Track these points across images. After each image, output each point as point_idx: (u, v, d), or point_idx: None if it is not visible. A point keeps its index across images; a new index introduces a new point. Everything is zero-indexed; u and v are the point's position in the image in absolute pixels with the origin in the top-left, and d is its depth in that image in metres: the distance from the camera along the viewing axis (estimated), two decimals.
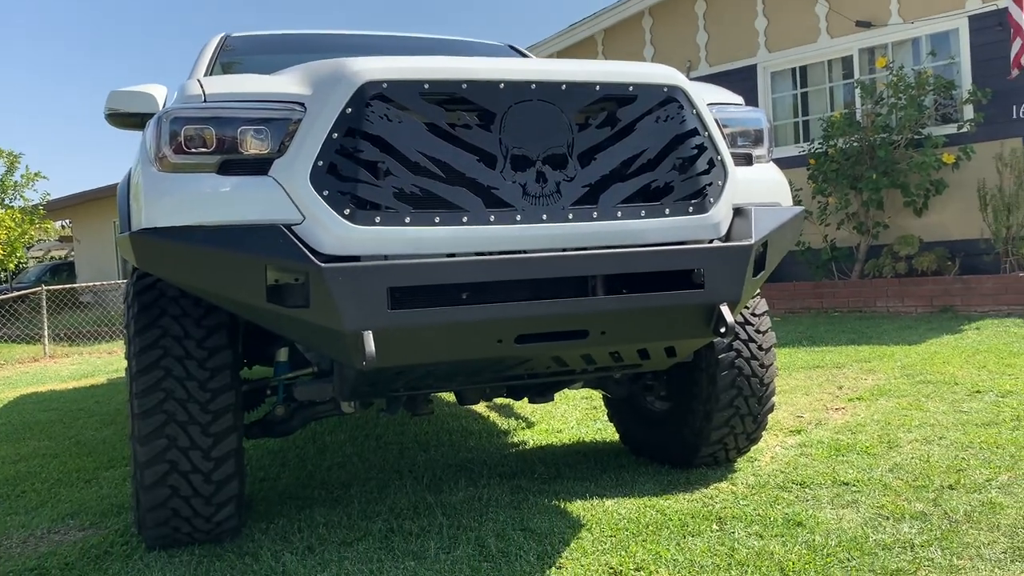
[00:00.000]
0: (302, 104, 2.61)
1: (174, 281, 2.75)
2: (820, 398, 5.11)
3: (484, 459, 4.23)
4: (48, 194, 20.20)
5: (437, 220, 2.56)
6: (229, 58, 4.24)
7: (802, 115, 11.21)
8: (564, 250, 2.70)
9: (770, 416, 4.46)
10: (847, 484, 3.41)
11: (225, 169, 2.59)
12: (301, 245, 2.47)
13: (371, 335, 2.45)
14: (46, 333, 13.56)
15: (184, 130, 2.58)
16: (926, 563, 2.62)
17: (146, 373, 2.89)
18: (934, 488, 3.29)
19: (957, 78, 9.64)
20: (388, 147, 2.53)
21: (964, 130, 9.32)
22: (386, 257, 2.56)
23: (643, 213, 2.77)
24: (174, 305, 2.98)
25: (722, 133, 2.99)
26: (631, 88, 2.78)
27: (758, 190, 3.11)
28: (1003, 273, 8.80)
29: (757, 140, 3.22)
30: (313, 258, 2.45)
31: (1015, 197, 8.86)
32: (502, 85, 2.63)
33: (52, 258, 33.11)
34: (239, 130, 2.59)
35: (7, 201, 19.15)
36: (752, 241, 2.86)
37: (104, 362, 11.42)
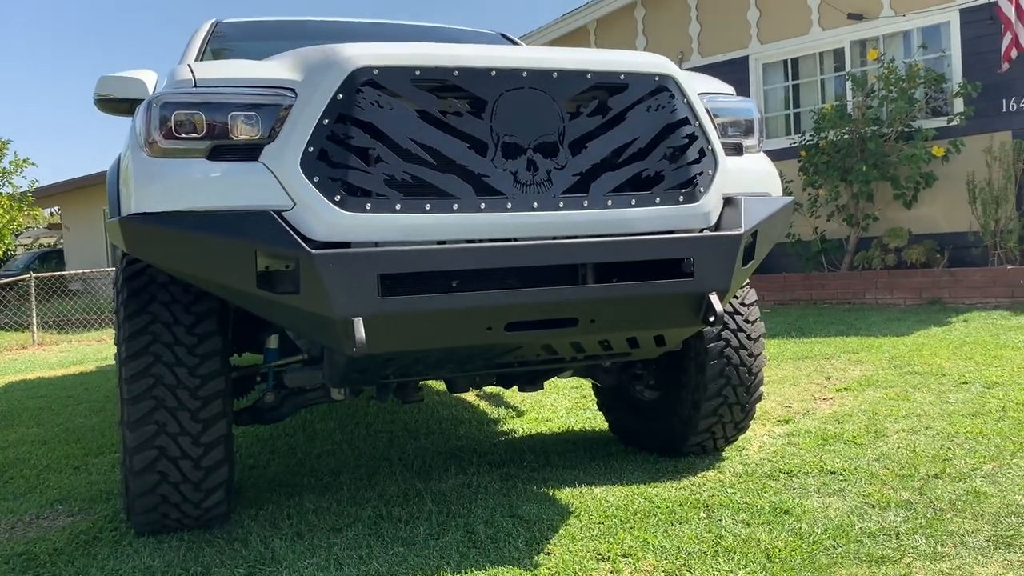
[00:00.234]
0: (293, 90, 2.61)
1: (164, 267, 2.75)
2: (808, 388, 5.14)
3: (474, 447, 4.24)
4: (37, 181, 20.03)
5: (428, 207, 2.56)
6: (220, 44, 4.22)
7: (793, 107, 11.22)
8: (554, 238, 2.71)
9: (758, 406, 4.48)
10: (834, 473, 3.44)
11: (215, 155, 2.59)
12: (291, 231, 2.47)
13: (361, 322, 2.45)
14: (35, 320, 13.50)
15: (174, 115, 2.57)
16: (911, 550, 2.64)
17: (135, 359, 2.88)
18: (920, 477, 3.32)
19: (948, 71, 9.67)
20: (379, 134, 2.53)
21: (954, 123, 9.35)
22: (376, 244, 2.56)
23: (633, 202, 2.77)
24: (164, 291, 2.98)
25: (713, 123, 3.00)
26: (622, 77, 2.78)
27: (748, 180, 3.12)
28: (991, 266, 8.85)
29: (748, 130, 3.23)
30: (303, 244, 2.45)
31: (1004, 190, 8.90)
32: (493, 72, 2.63)
33: (41, 245, 32.94)
34: (229, 116, 2.59)
35: None
36: (742, 230, 2.87)
37: (93, 350, 11.38)
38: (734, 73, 10.96)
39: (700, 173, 2.87)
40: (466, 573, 2.65)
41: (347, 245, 2.54)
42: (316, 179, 2.49)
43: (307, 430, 4.89)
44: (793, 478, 3.42)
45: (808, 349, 6.56)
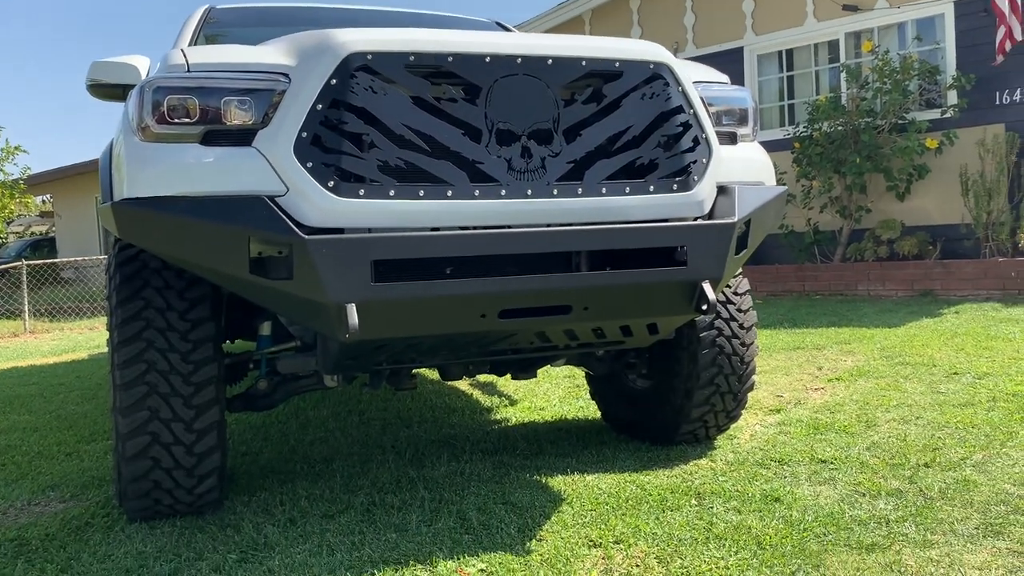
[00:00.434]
0: (286, 75, 2.60)
1: (156, 252, 2.74)
2: (800, 378, 5.16)
3: (466, 435, 4.25)
4: (29, 168, 19.95)
5: (421, 193, 2.56)
6: (213, 30, 4.20)
7: (788, 98, 11.23)
8: (548, 226, 2.71)
9: (750, 395, 4.50)
10: (825, 462, 3.46)
11: (208, 140, 2.58)
12: (284, 217, 2.47)
13: (354, 307, 2.45)
14: (26, 308, 13.45)
15: (167, 100, 2.56)
16: (900, 538, 2.66)
17: (128, 344, 2.88)
18: (910, 466, 3.33)
19: (942, 63, 9.67)
20: (373, 119, 2.52)
21: (947, 115, 9.37)
22: (370, 230, 2.56)
23: (627, 190, 2.77)
24: (156, 277, 2.97)
25: (707, 111, 2.99)
26: (617, 64, 2.78)
27: (742, 169, 3.12)
28: (983, 258, 8.88)
29: (742, 119, 3.23)
30: (297, 230, 2.44)
31: (996, 183, 8.93)
32: (488, 59, 2.62)
33: (33, 233, 32.78)
34: (223, 100, 2.57)
35: None
36: (735, 219, 2.87)
37: (85, 338, 11.35)
38: (729, 64, 10.95)
39: (694, 162, 2.87)
40: (459, 559, 2.66)
41: (340, 231, 2.53)
42: (309, 164, 2.49)
43: (300, 417, 4.89)
44: (784, 466, 3.43)
45: (800, 340, 6.58)
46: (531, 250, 2.65)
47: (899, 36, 10.19)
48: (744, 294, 3.69)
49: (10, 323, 13.75)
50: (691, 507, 3.03)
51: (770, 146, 3.51)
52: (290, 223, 2.46)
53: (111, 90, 3.61)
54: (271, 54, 2.69)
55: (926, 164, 9.36)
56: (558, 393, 5.15)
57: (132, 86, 3.28)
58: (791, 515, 2.88)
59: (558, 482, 3.38)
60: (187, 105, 2.56)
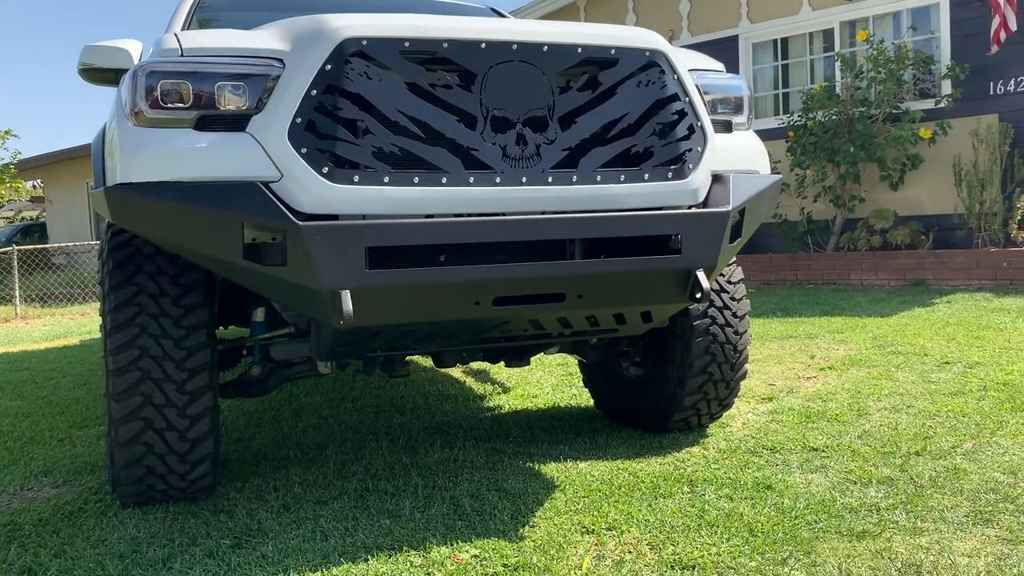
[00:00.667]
0: (281, 60, 2.59)
1: (150, 237, 2.73)
2: (792, 367, 5.18)
3: (460, 422, 4.25)
4: (19, 153, 19.84)
5: (416, 180, 2.55)
6: (206, 14, 4.18)
7: (782, 87, 11.22)
8: (543, 213, 2.70)
9: (743, 383, 4.52)
10: (816, 450, 3.47)
11: (202, 125, 2.56)
12: (279, 203, 2.46)
13: (349, 294, 2.45)
14: (17, 294, 13.40)
15: (160, 84, 2.55)
16: (891, 525, 2.68)
17: (121, 330, 2.87)
18: (901, 454, 3.35)
19: (936, 53, 9.68)
20: (367, 105, 2.51)
21: (942, 105, 9.38)
22: (364, 217, 2.55)
23: (622, 178, 2.77)
24: (149, 262, 2.96)
25: (703, 99, 2.99)
26: (613, 51, 2.77)
27: (737, 157, 3.12)
28: (975, 248, 8.92)
29: (737, 107, 3.23)
30: (291, 216, 2.44)
31: (989, 173, 8.95)
32: (483, 45, 2.61)
33: (23, 219, 32.62)
34: (216, 85, 2.56)
35: None
36: (729, 208, 2.87)
37: (77, 323, 11.32)
38: (724, 52, 10.94)
39: (689, 150, 2.86)
40: (452, 544, 2.67)
41: (335, 218, 2.53)
42: (304, 150, 2.48)
43: (293, 404, 4.89)
44: (776, 454, 3.45)
45: (793, 329, 6.60)
46: (525, 238, 2.65)
47: (894, 25, 10.19)
48: (738, 283, 3.69)
49: (1, 308, 13.69)
50: (683, 494, 3.04)
51: (764, 135, 3.52)
52: (284, 209, 2.45)
53: (103, 74, 3.59)
54: (265, 39, 2.67)
55: (920, 154, 9.37)
56: (551, 381, 5.16)
57: (124, 71, 3.26)
58: (783, 502, 2.90)
59: (551, 469, 3.39)
60: (181, 90, 2.55)
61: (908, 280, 8.99)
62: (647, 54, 2.82)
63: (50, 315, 12.94)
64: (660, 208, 2.85)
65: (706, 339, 3.56)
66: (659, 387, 3.71)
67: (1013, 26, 8.71)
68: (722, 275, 3.64)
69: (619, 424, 4.04)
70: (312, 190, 2.48)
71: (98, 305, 13.50)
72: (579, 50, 2.72)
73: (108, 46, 3.51)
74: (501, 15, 4.89)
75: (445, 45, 2.58)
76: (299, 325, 3.27)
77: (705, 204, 2.94)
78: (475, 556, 2.59)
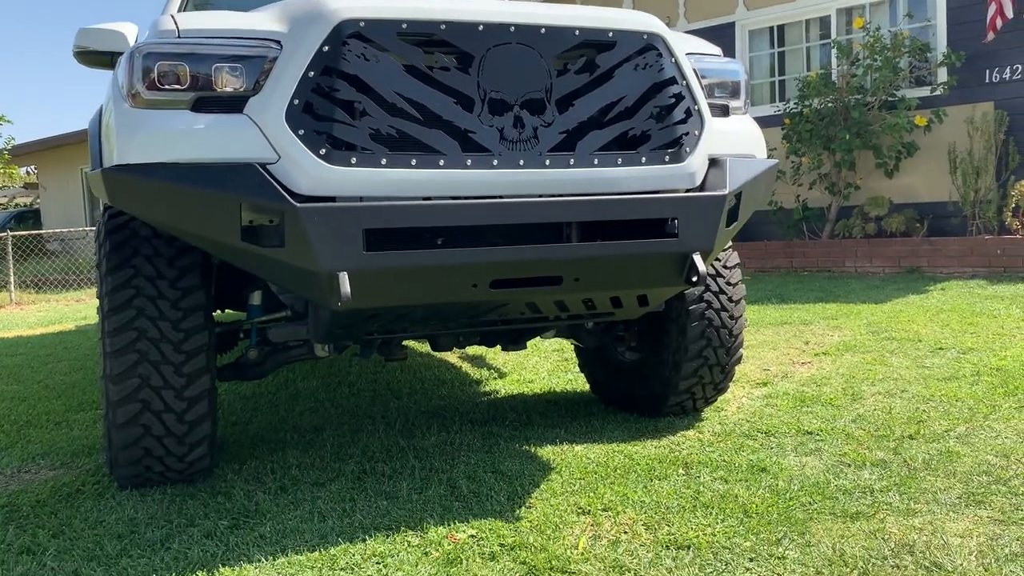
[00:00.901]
0: (278, 42, 2.58)
1: (147, 219, 2.73)
2: (787, 353, 5.20)
3: (456, 407, 4.27)
4: (13, 139, 19.75)
5: (413, 163, 2.56)
6: None
7: (778, 75, 11.21)
8: (540, 196, 2.71)
9: (738, 368, 4.54)
10: (811, 433, 3.50)
11: (199, 106, 2.56)
12: (276, 184, 2.46)
13: (346, 276, 2.46)
14: (12, 280, 13.37)
15: (158, 66, 2.54)
16: (884, 507, 2.70)
17: (118, 312, 2.87)
18: (895, 438, 3.38)
19: (932, 40, 9.67)
20: (365, 87, 2.51)
21: (937, 93, 9.38)
22: (361, 199, 2.55)
23: (619, 161, 2.78)
24: (147, 245, 2.96)
25: (700, 83, 3.00)
26: (610, 34, 2.77)
27: (734, 141, 3.13)
28: (969, 236, 8.94)
29: (734, 92, 3.23)
30: (288, 198, 2.44)
31: (984, 161, 8.96)
32: (481, 27, 2.61)
33: (17, 205, 32.50)
34: (213, 67, 2.56)
35: None
36: (726, 191, 2.88)
37: (72, 309, 11.31)
38: (720, 39, 10.88)
39: (686, 133, 2.87)
40: (449, 525, 2.69)
41: (332, 199, 2.53)
42: (301, 132, 2.48)
43: (289, 388, 4.90)
44: (771, 438, 3.47)
45: (788, 315, 6.62)
46: (522, 220, 2.66)
47: (890, 13, 10.17)
48: (734, 267, 3.71)
49: None
50: (679, 476, 3.06)
51: (760, 122, 3.52)
52: (281, 191, 2.45)
53: (98, 57, 3.58)
54: (262, 21, 2.67)
55: (915, 142, 9.38)
56: (547, 366, 5.18)
57: (119, 53, 3.26)
58: (777, 484, 2.92)
59: (547, 452, 3.41)
60: (178, 71, 2.55)
61: (903, 267, 9.01)
62: (645, 37, 2.82)
63: (45, 301, 12.91)
64: (657, 191, 2.86)
65: (702, 323, 3.58)
66: (655, 371, 3.72)
67: (1009, 13, 8.71)
68: (718, 260, 3.65)
69: (615, 408, 4.06)
70: (309, 172, 2.48)
71: (93, 291, 13.47)
72: (577, 33, 2.72)
73: (103, 29, 3.50)
74: None
75: (443, 27, 2.58)
76: (296, 308, 3.28)
77: (702, 188, 2.95)
78: (472, 536, 2.61)
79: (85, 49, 3.53)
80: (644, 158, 2.81)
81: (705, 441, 3.47)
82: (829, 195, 9.97)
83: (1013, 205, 8.79)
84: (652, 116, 2.82)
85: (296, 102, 2.49)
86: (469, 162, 2.60)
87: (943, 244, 8.79)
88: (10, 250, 13.55)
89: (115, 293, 2.89)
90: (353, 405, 4.42)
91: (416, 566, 2.43)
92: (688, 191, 2.92)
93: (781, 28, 11.13)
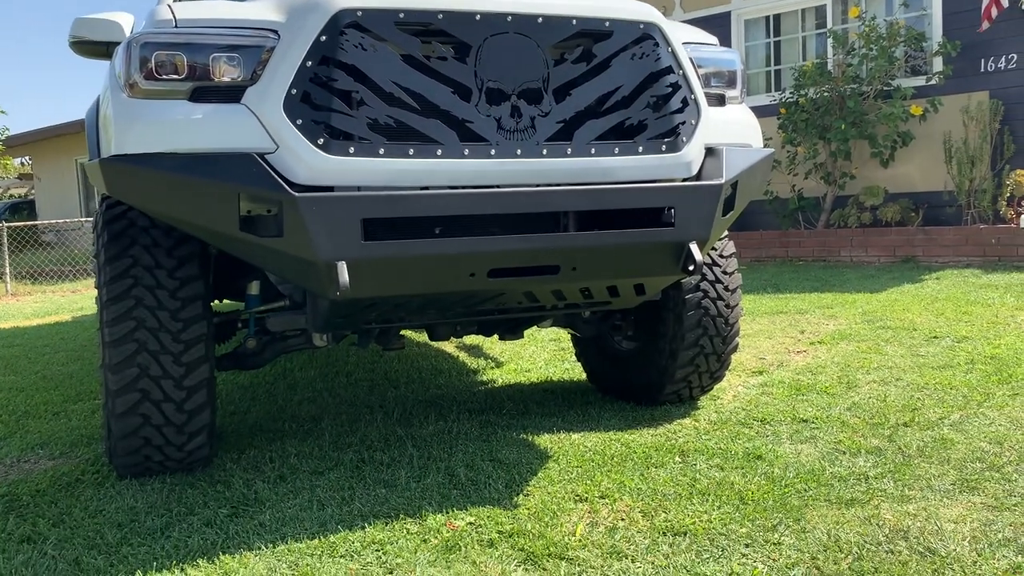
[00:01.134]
0: (275, 32, 2.59)
1: (145, 209, 2.74)
2: (783, 342, 5.23)
3: (454, 396, 4.29)
4: (7, 129, 19.71)
5: (411, 152, 2.56)
6: None
7: (774, 64, 11.21)
8: (537, 186, 2.72)
9: (734, 357, 4.55)
10: (806, 421, 3.52)
11: (197, 96, 2.57)
12: (274, 174, 2.47)
13: (344, 265, 2.47)
14: (8, 271, 13.34)
15: (155, 56, 2.54)
16: (879, 493, 2.72)
17: (117, 302, 2.88)
18: (889, 425, 3.40)
19: (928, 30, 9.68)
20: (362, 77, 2.52)
21: (932, 82, 9.39)
22: (359, 188, 2.56)
23: (616, 150, 2.79)
24: (145, 235, 2.97)
25: (696, 73, 3.00)
26: (607, 24, 2.78)
27: (730, 131, 3.14)
28: (964, 225, 8.96)
29: (731, 81, 3.24)
30: (286, 187, 2.45)
31: (979, 150, 8.99)
32: (478, 17, 2.61)
33: (12, 196, 32.40)
34: (211, 57, 2.56)
35: None
36: (722, 181, 2.90)
37: (68, 300, 11.30)
38: (716, 29, 10.86)
39: (683, 123, 2.88)
40: (448, 513, 2.71)
41: (330, 189, 2.54)
42: (299, 122, 2.48)
43: (288, 378, 4.91)
44: (766, 426, 3.50)
45: (783, 304, 6.64)
46: (520, 210, 2.67)
47: (886, 2, 10.17)
48: (730, 257, 3.72)
49: None
50: (675, 464, 3.08)
51: (756, 112, 3.53)
52: (280, 180, 2.46)
53: (95, 47, 3.57)
54: (260, 10, 2.67)
55: (910, 131, 9.40)
56: (544, 355, 5.19)
57: (116, 43, 3.25)
58: (773, 472, 2.95)
59: (544, 440, 3.43)
60: (175, 61, 2.55)
61: (898, 257, 9.04)
62: (641, 27, 2.83)
63: (41, 292, 12.90)
64: (654, 181, 2.87)
65: (698, 312, 3.60)
66: (651, 360, 3.74)
67: (1005, 3, 8.72)
68: (714, 249, 3.67)
69: (611, 397, 4.08)
70: (307, 161, 2.49)
71: (89, 282, 13.44)
72: (574, 22, 2.73)
73: (99, 19, 3.50)
74: None
75: (440, 16, 2.58)
76: (295, 297, 3.29)
77: (698, 177, 2.96)
78: (471, 523, 2.63)
79: (81, 39, 3.52)
80: (641, 147, 2.82)
81: (701, 429, 3.49)
82: (825, 184, 9.98)
83: (1008, 194, 8.81)
84: (649, 105, 2.83)
85: (294, 92, 2.49)
86: (467, 151, 2.61)
87: (938, 233, 8.82)
88: (5, 241, 13.52)
89: (113, 283, 2.90)
90: (351, 394, 4.44)
91: (415, 553, 2.45)
92: (685, 180, 2.93)
93: (777, 17, 11.12)
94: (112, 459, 3.10)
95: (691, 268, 2.85)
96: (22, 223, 15.62)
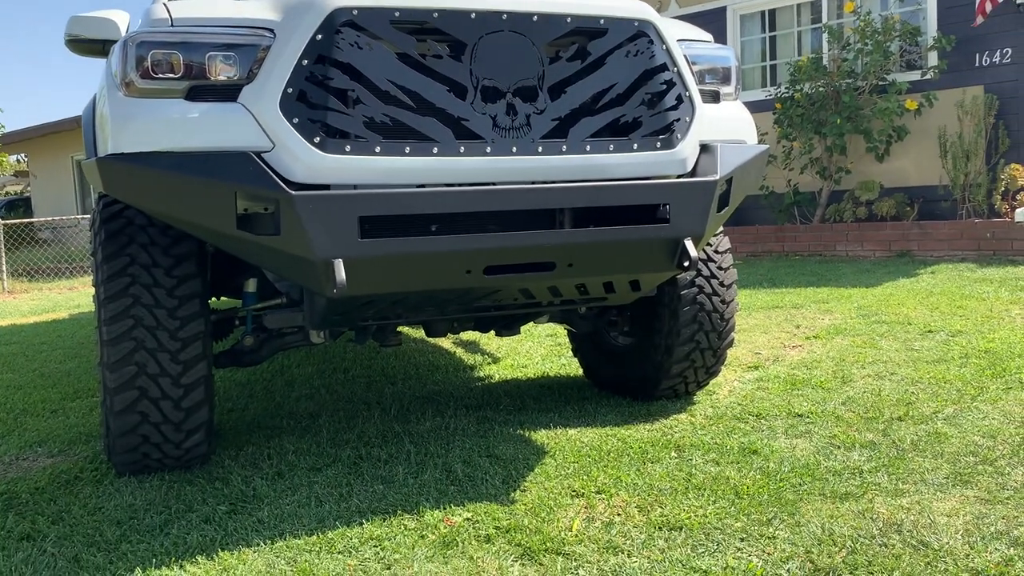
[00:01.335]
0: (271, 30, 2.59)
1: (142, 208, 2.75)
2: (778, 336, 5.25)
3: (451, 392, 4.30)
4: (2, 126, 19.65)
5: (407, 150, 2.58)
6: None
7: (770, 59, 11.22)
8: (533, 183, 2.73)
9: (729, 352, 4.57)
10: (801, 416, 3.54)
11: (193, 95, 2.58)
12: (271, 172, 2.48)
13: (342, 263, 2.48)
14: (4, 268, 13.33)
15: (151, 55, 2.55)
16: (873, 487, 2.75)
17: (114, 300, 2.89)
18: (884, 420, 3.43)
19: (923, 24, 9.69)
20: (358, 75, 2.53)
21: (928, 77, 9.41)
22: (356, 187, 2.58)
23: (611, 148, 2.80)
24: (142, 233, 2.97)
25: (691, 70, 3.02)
26: (602, 21, 2.79)
27: (724, 127, 3.15)
28: (959, 219, 8.99)
29: (725, 78, 3.25)
30: (283, 186, 2.46)
31: (974, 144, 9.00)
32: (473, 15, 2.63)
33: (7, 193, 32.33)
34: (207, 55, 2.57)
35: None
36: (717, 177, 2.91)
37: (65, 298, 11.29)
38: (711, 24, 10.91)
39: (677, 120, 2.90)
40: (445, 508, 2.72)
41: (327, 187, 2.55)
42: (295, 120, 2.50)
43: (285, 375, 4.93)
44: (762, 420, 3.52)
45: (779, 299, 6.67)
46: (516, 207, 2.68)
47: None
48: (725, 252, 3.74)
49: None
50: (671, 459, 3.10)
51: (752, 107, 3.55)
52: (276, 179, 2.47)
53: (90, 45, 3.57)
54: (256, 9, 2.68)
55: (905, 126, 9.41)
56: (540, 351, 5.21)
57: (111, 41, 3.26)
58: (768, 466, 2.97)
59: (541, 436, 3.44)
60: (171, 60, 2.56)
61: (893, 251, 9.07)
62: (636, 24, 2.84)
63: (37, 290, 12.89)
64: (649, 177, 2.88)
65: (693, 308, 3.61)
66: (647, 355, 3.76)
67: None
68: (709, 244, 3.69)
69: (608, 392, 4.10)
70: (304, 160, 2.50)
71: (86, 279, 13.42)
72: (568, 20, 2.74)
73: (95, 17, 3.50)
74: None
75: (435, 15, 2.60)
76: (292, 295, 3.30)
77: (693, 173, 2.97)
78: (468, 519, 2.65)
79: (77, 37, 3.52)
80: (636, 144, 2.84)
81: (697, 424, 3.51)
82: (820, 179, 10.00)
83: (1003, 188, 8.84)
84: (643, 103, 2.84)
85: (290, 90, 2.50)
86: (462, 149, 2.62)
87: (933, 228, 8.85)
88: (1, 239, 13.50)
89: (111, 281, 2.91)
90: (348, 391, 4.45)
91: (413, 549, 2.46)
92: (679, 177, 2.95)
93: (772, 12, 11.13)
94: (110, 456, 3.11)
95: (686, 264, 2.87)
96: (18, 220, 15.61)
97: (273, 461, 3.28)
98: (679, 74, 2.91)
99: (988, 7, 8.76)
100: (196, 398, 3.00)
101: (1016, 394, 3.65)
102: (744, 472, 2.93)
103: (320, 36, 2.51)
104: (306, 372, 4.98)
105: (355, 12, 2.53)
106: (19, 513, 2.90)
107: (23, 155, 26.97)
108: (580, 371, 4.46)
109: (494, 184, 2.69)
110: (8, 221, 14.79)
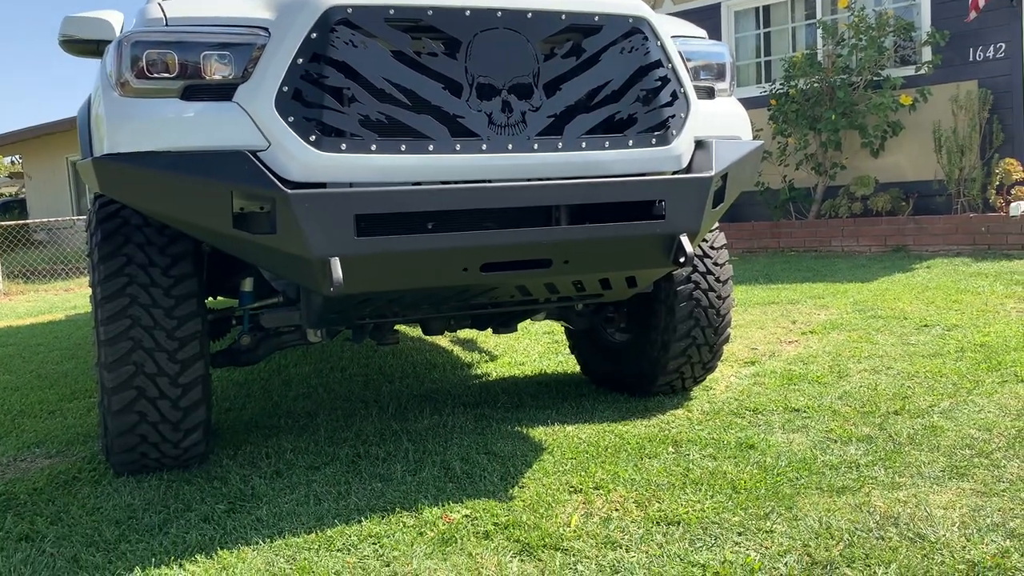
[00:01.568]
0: (266, 29, 2.60)
1: (139, 207, 2.75)
2: (774, 332, 5.26)
3: (448, 390, 4.31)
4: None
5: (403, 148, 2.58)
6: None
7: (764, 55, 11.23)
8: (529, 180, 2.74)
9: (725, 348, 4.58)
10: (798, 410, 3.55)
11: (188, 95, 2.58)
12: (267, 171, 2.48)
13: (338, 261, 2.49)
14: (0, 271, 13.32)
15: (146, 55, 2.55)
16: (870, 481, 2.76)
17: (111, 300, 2.89)
18: (880, 414, 3.44)
19: (917, 20, 9.70)
20: (353, 73, 2.53)
21: (922, 72, 9.42)
22: (352, 185, 2.58)
23: (607, 144, 2.81)
24: (138, 233, 2.98)
25: (686, 66, 3.02)
26: (597, 18, 2.80)
27: (719, 124, 3.16)
28: (954, 214, 9.01)
29: (720, 74, 3.26)
30: (279, 184, 2.46)
31: (968, 139, 9.02)
32: (468, 12, 2.63)
33: (2, 195, 32.26)
34: (202, 55, 2.57)
35: None
36: (712, 173, 2.92)
37: (61, 299, 11.27)
38: (706, 20, 10.92)
39: (672, 116, 2.90)
40: (443, 505, 2.73)
41: (323, 186, 2.55)
42: (291, 119, 2.50)
43: (282, 374, 4.93)
44: (758, 415, 3.53)
45: (775, 295, 6.68)
46: (512, 204, 2.69)
47: None
48: (721, 248, 3.75)
49: None
50: (668, 454, 3.11)
51: (746, 103, 3.56)
52: (272, 177, 2.48)
53: (85, 46, 3.57)
54: (250, 8, 2.68)
55: (900, 121, 9.43)
56: (538, 349, 5.22)
57: (106, 41, 3.26)
58: (765, 461, 2.98)
59: (539, 433, 3.45)
60: (166, 60, 2.56)
61: (889, 246, 9.08)
62: (630, 21, 2.84)
63: (33, 291, 12.86)
64: (644, 174, 2.89)
65: (690, 304, 3.62)
66: (644, 352, 3.77)
67: None
68: (705, 240, 3.70)
69: (605, 389, 4.11)
70: (300, 158, 2.50)
71: (82, 281, 13.39)
72: (563, 17, 2.74)
73: (89, 17, 3.49)
74: None
75: (430, 12, 2.60)
76: (288, 293, 3.30)
77: (688, 170, 2.98)
78: (466, 516, 2.65)
79: (71, 37, 3.52)
80: (631, 141, 2.84)
81: (694, 419, 3.52)
82: (815, 175, 10.02)
83: (997, 183, 8.86)
84: (638, 99, 2.85)
85: (285, 89, 2.51)
86: (458, 147, 2.63)
87: (928, 222, 8.86)
88: None
89: (107, 281, 2.91)
90: (346, 390, 4.46)
91: (411, 546, 2.47)
92: (675, 173, 2.95)
93: (767, 8, 11.14)
94: (109, 456, 3.11)
95: (682, 260, 2.87)
96: (13, 222, 15.57)
97: (271, 460, 3.29)
98: (674, 70, 2.92)
99: (981, 2, 8.78)
100: (194, 397, 3.01)
101: (1011, 387, 3.66)
102: (741, 467, 2.94)
103: (315, 34, 2.51)
104: (303, 371, 4.99)
105: (350, 10, 2.53)
106: (18, 514, 2.90)
107: (17, 156, 26.91)
108: (577, 368, 4.47)
109: (490, 181, 2.69)
110: (3, 223, 14.75)
